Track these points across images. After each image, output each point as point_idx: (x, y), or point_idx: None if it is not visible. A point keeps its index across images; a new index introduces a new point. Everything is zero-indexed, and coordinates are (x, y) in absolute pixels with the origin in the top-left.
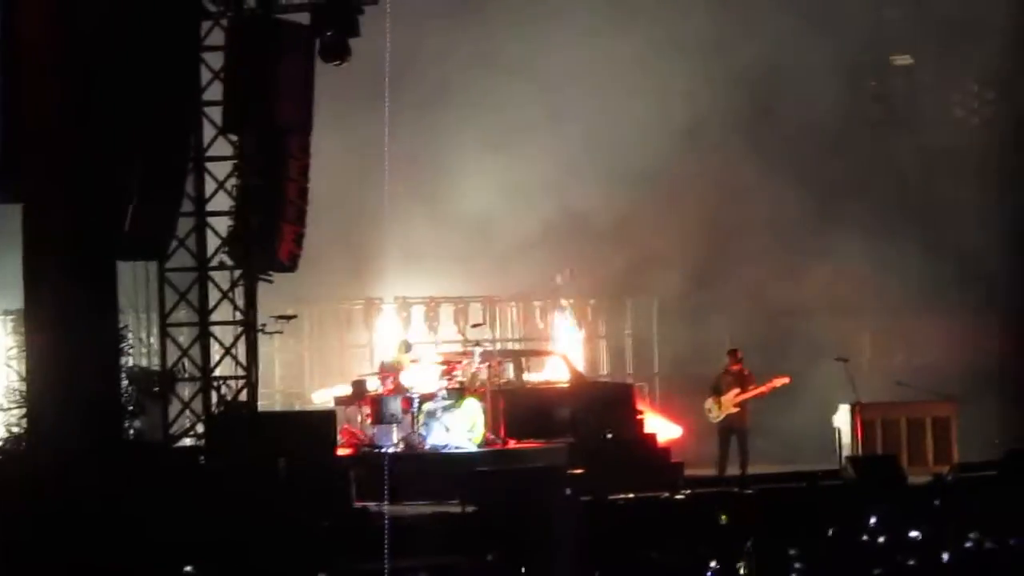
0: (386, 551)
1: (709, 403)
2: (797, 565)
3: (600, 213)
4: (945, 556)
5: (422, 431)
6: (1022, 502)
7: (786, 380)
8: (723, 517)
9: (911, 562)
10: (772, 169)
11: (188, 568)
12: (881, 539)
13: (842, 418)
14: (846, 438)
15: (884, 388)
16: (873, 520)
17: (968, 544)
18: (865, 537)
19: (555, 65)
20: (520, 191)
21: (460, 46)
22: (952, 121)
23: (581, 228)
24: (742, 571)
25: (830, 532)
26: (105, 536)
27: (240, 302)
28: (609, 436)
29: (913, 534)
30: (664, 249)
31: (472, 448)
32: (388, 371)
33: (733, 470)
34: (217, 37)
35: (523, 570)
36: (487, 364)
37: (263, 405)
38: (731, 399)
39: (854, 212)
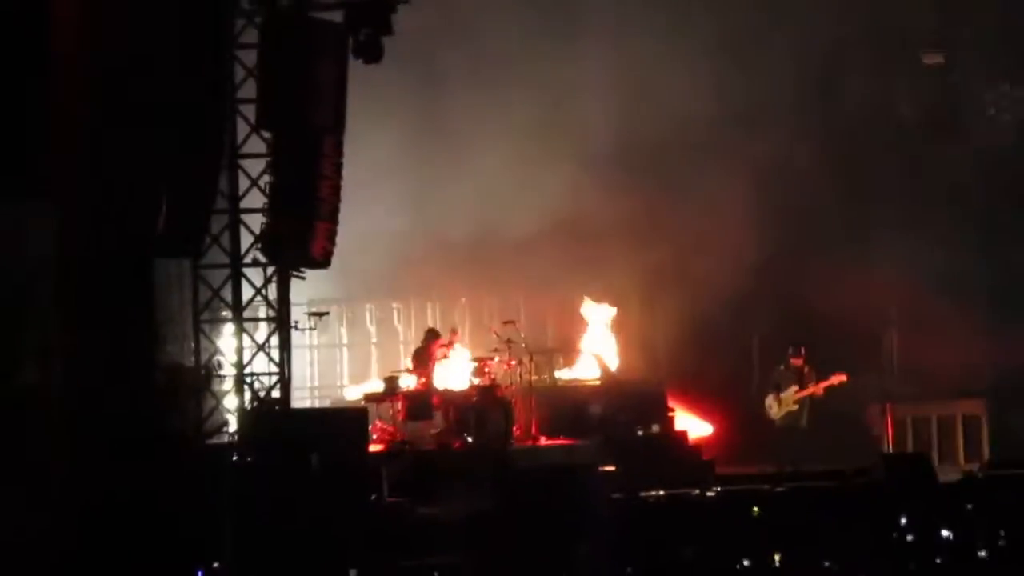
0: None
1: (769, 400)
2: (827, 564)
3: (633, 211)
4: (982, 553)
5: (454, 427)
6: None
7: (844, 378)
8: (755, 509)
9: (943, 560)
10: (802, 166)
11: (217, 564)
12: (912, 537)
13: (873, 415)
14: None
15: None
16: (904, 518)
17: (1000, 542)
18: (896, 535)
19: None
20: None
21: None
22: (986, 122)
23: (613, 226)
24: (776, 565)
25: (861, 530)
26: (139, 532)
27: (273, 298)
28: (640, 433)
29: (945, 533)
30: (695, 250)
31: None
32: (421, 364)
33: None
34: (251, 35)
35: (554, 567)
36: (519, 361)
37: (296, 401)
38: (791, 396)
39: (879, 210)
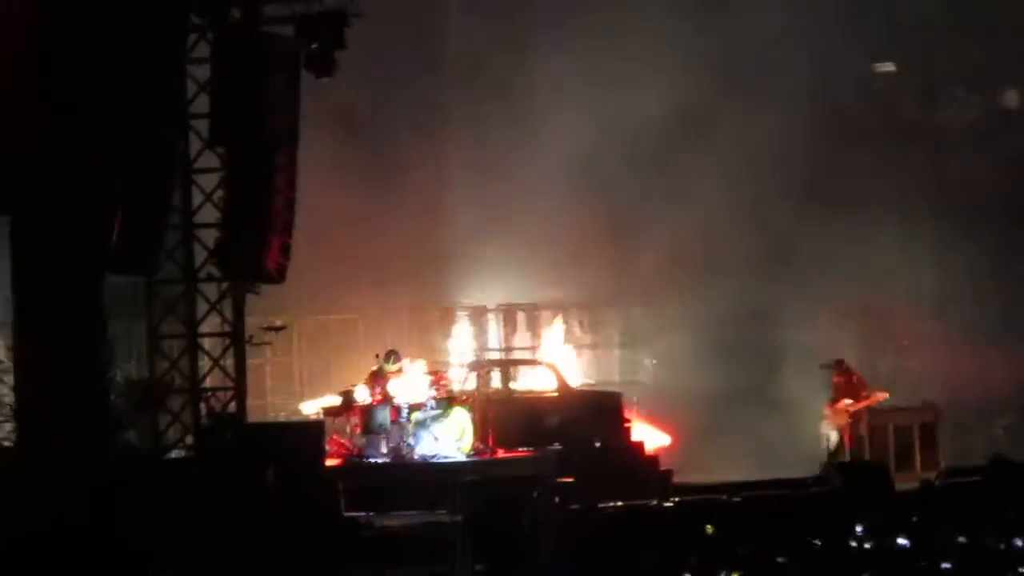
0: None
1: (826, 411)
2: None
3: (593, 222)
4: (946, 565)
5: (410, 441)
6: (1007, 507)
7: (886, 395)
8: (709, 528)
9: (900, 568)
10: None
11: None
12: (869, 545)
13: (829, 426)
14: (834, 445)
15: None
16: (861, 527)
17: (956, 549)
18: (854, 544)
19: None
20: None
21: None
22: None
23: (570, 237)
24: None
25: (818, 539)
26: (93, 548)
27: (228, 314)
28: (598, 445)
29: (902, 541)
30: (654, 258)
31: (461, 457)
32: (375, 381)
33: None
34: (203, 50)
35: None
36: (475, 373)
37: (253, 416)
38: (843, 408)
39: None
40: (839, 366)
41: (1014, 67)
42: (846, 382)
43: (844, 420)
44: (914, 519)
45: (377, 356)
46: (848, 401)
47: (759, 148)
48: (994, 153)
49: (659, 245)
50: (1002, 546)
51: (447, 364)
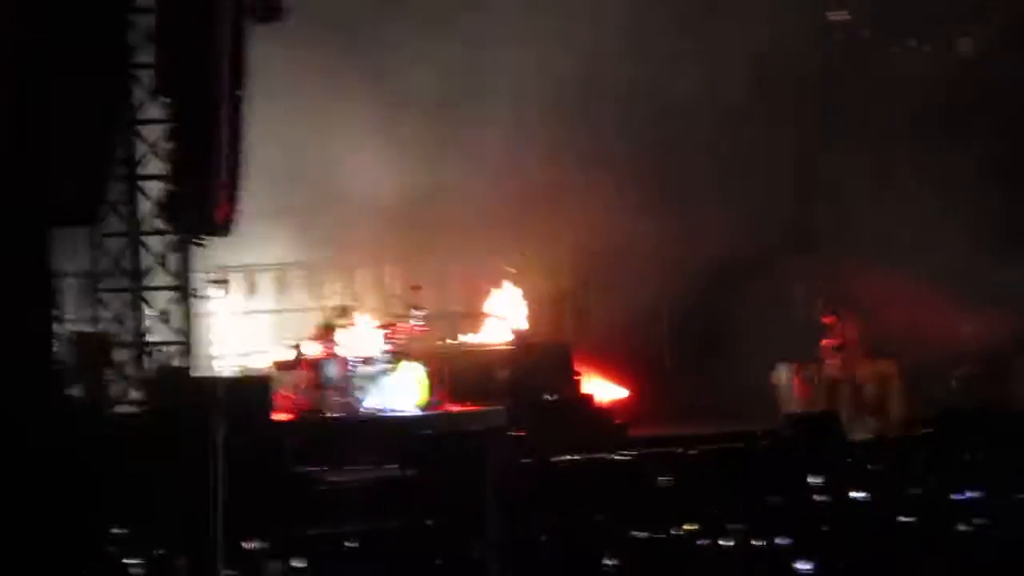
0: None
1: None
2: (738, 525)
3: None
4: (903, 518)
5: (361, 395)
6: (958, 459)
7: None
8: (665, 478)
9: (857, 520)
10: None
11: (117, 530)
12: (821, 498)
13: (783, 376)
14: (786, 396)
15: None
16: (815, 479)
17: (909, 501)
18: (807, 495)
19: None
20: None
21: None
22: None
23: (523, 190)
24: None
25: (774, 492)
26: (40, 502)
27: (173, 267)
28: (550, 398)
29: (858, 493)
30: (602, 202)
31: (412, 411)
32: (325, 335)
33: None
34: None
35: (465, 533)
36: (426, 327)
37: (200, 371)
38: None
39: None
40: (832, 312)
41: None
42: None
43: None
44: (868, 471)
45: (329, 309)
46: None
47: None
48: (954, 99)
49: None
50: (954, 497)
51: (399, 317)
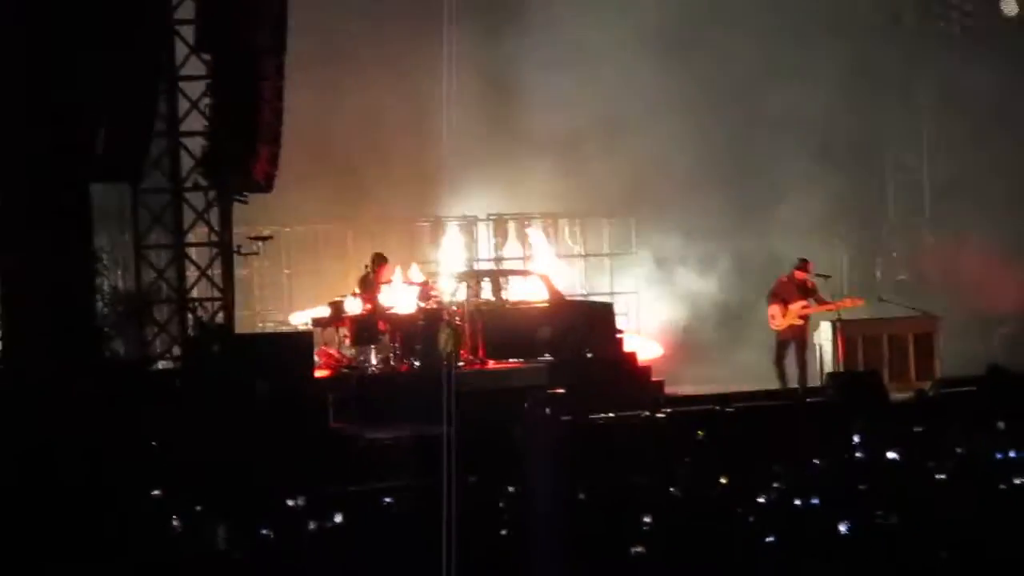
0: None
1: (774, 310)
2: (776, 484)
3: (588, 132)
4: (941, 476)
5: (400, 352)
6: (1002, 417)
7: (860, 303)
8: (699, 433)
9: (896, 479)
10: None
11: (157, 492)
12: (862, 455)
13: (824, 335)
14: (827, 355)
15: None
16: (856, 437)
17: (952, 459)
18: (847, 454)
19: None
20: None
21: None
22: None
23: (568, 146)
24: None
25: (812, 450)
26: (81, 460)
27: (215, 223)
28: (590, 355)
29: (893, 454)
30: (644, 169)
31: (452, 368)
32: (366, 290)
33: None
34: None
35: (503, 491)
36: (465, 284)
37: (241, 327)
38: (797, 309)
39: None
40: (805, 266)
41: None
42: (803, 282)
43: (796, 321)
44: (910, 430)
45: (367, 266)
46: (803, 302)
47: (751, 61)
48: (995, 59)
49: (651, 156)
50: (999, 456)
51: (436, 274)
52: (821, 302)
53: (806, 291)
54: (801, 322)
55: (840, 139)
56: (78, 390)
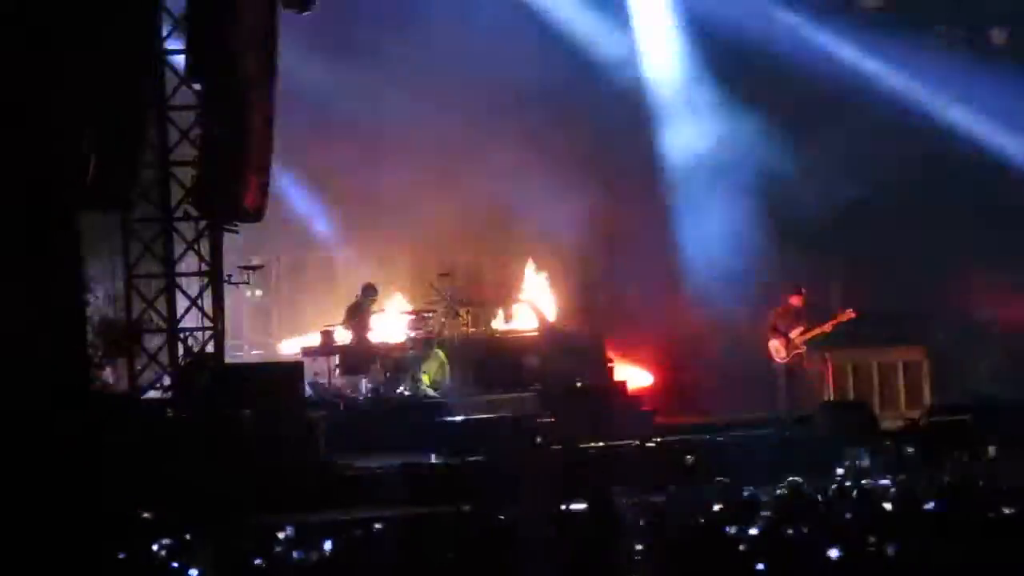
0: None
1: (775, 344)
2: (765, 513)
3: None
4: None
5: (391, 381)
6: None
7: (852, 314)
8: (688, 458)
9: (882, 509)
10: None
11: (147, 515)
12: (851, 483)
13: (814, 360)
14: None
15: (852, 333)
16: (845, 465)
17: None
18: (838, 482)
19: None
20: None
21: None
22: None
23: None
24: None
25: (801, 478)
26: (68, 488)
27: (205, 252)
28: (580, 384)
29: (885, 481)
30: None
31: (441, 398)
32: (354, 319)
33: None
34: None
35: (491, 519)
36: (455, 313)
37: (231, 357)
38: (797, 337)
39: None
40: (799, 293)
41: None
42: (799, 310)
43: (799, 349)
44: (900, 458)
45: (358, 296)
46: (800, 329)
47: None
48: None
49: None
50: (982, 484)
51: (427, 302)
52: (816, 324)
53: (800, 316)
54: (802, 348)
55: None
56: (66, 421)
